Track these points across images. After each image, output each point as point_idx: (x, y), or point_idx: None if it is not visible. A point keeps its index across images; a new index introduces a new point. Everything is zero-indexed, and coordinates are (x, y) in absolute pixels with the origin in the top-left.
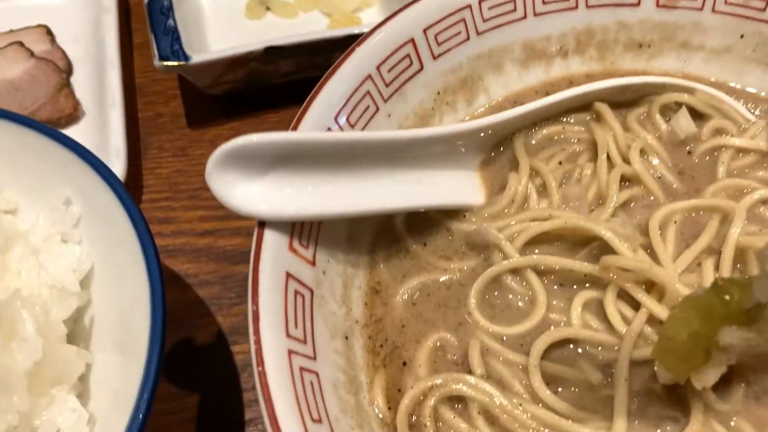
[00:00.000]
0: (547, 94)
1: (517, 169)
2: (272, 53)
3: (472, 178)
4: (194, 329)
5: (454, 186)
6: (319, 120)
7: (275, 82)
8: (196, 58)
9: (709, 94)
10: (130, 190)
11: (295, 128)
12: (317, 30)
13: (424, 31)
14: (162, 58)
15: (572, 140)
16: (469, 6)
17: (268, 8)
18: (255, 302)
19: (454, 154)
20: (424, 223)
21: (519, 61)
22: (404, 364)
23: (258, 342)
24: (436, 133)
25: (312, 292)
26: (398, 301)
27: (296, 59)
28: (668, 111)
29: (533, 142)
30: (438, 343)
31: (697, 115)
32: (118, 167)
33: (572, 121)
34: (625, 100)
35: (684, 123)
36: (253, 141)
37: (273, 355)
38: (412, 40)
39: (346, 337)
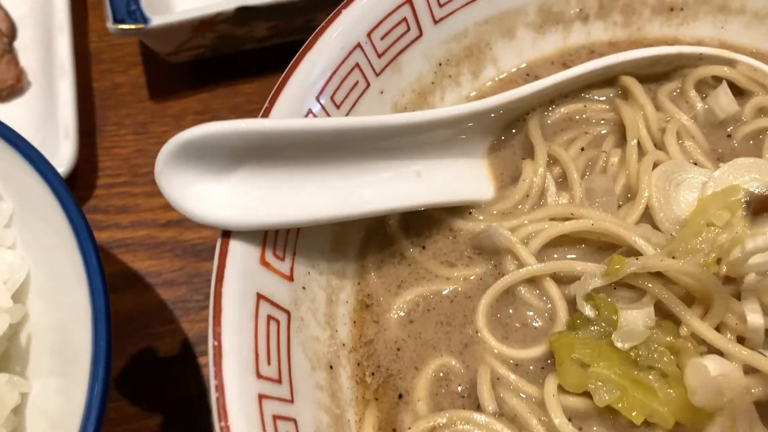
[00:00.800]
0: (565, 65)
1: (532, 156)
2: (245, 14)
3: (479, 167)
4: (156, 338)
5: (459, 178)
6: (298, 100)
7: (249, 48)
8: (157, 20)
9: (752, 66)
10: (82, 174)
11: (267, 111)
12: None
13: None
14: (117, 20)
15: (596, 121)
16: None
17: None
18: (217, 335)
19: (459, 140)
20: (422, 221)
21: (533, 25)
22: (400, 396)
23: (220, 388)
24: (437, 116)
25: (289, 314)
26: (392, 318)
27: (273, 21)
28: (705, 87)
29: (550, 122)
30: (440, 372)
31: (738, 92)
32: (68, 147)
33: (595, 97)
34: (654, 73)
35: (724, 101)
36: (216, 131)
37: (240, 406)
38: (410, 2)
39: (331, 367)
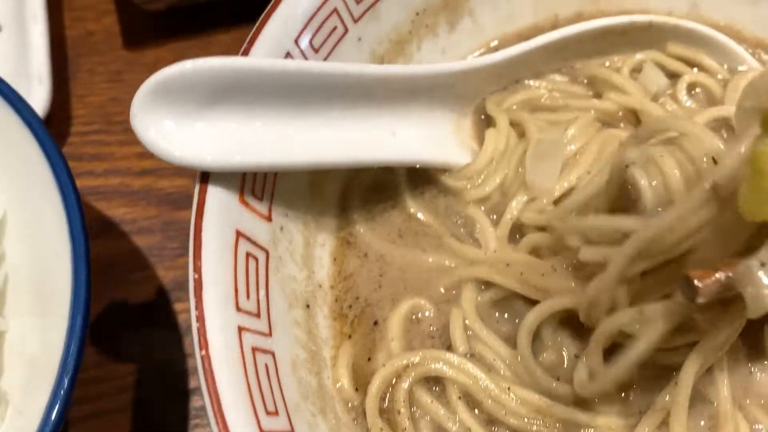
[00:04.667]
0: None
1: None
2: None
3: (462, 128)
4: (131, 284)
5: (436, 140)
6: (277, 42)
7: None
8: None
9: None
10: (55, 121)
11: (246, 52)
12: None
13: None
14: None
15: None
16: None
17: None
18: (197, 269)
19: (439, 100)
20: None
21: None
22: (375, 323)
23: (201, 319)
24: (420, 72)
25: (267, 253)
26: (378, 243)
27: None
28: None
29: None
30: (415, 313)
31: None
32: (41, 94)
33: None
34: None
35: (653, 75)
36: (189, 69)
37: (220, 335)
38: None
39: (308, 306)
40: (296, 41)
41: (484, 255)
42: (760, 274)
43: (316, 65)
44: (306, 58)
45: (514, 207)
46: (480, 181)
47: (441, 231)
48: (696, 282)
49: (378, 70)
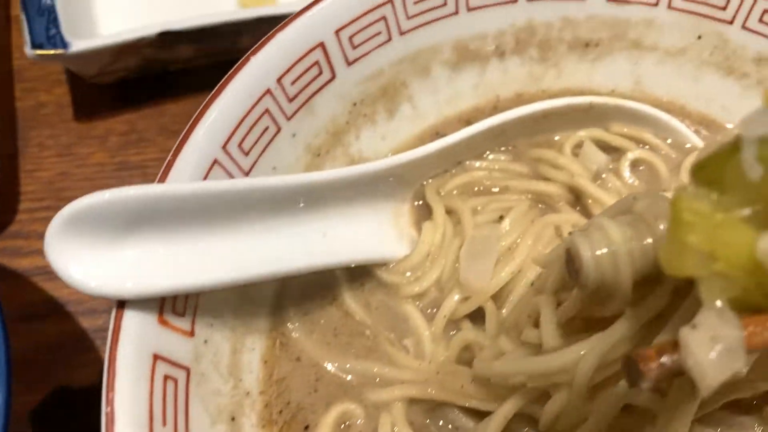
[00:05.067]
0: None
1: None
2: (168, 39)
3: (399, 218)
4: (78, 367)
5: (370, 236)
6: (204, 150)
7: (175, 69)
8: (77, 45)
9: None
10: (4, 198)
11: (172, 162)
12: (226, 4)
13: (337, 32)
14: (35, 45)
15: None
16: (391, 1)
17: None
18: (110, 401)
19: (372, 195)
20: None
21: (449, 63)
22: (306, 428)
23: None
24: (345, 174)
25: (188, 371)
26: (311, 346)
27: (198, 44)
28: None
29: (449, 188)
30: (344, 420)
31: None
32: None
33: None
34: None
35: (591, 152)
36: (103, 200)
37: None
38: (322, 45)
39: (233, 419)
40: (224, 147)
41: (416, 364)
42: (695, 337)
43: (236, 183)
44: (235, 162)
45: (448, 306)
46: (416, 276)
47: (376, 330)
48: (641, 366)
49: (305, 179)
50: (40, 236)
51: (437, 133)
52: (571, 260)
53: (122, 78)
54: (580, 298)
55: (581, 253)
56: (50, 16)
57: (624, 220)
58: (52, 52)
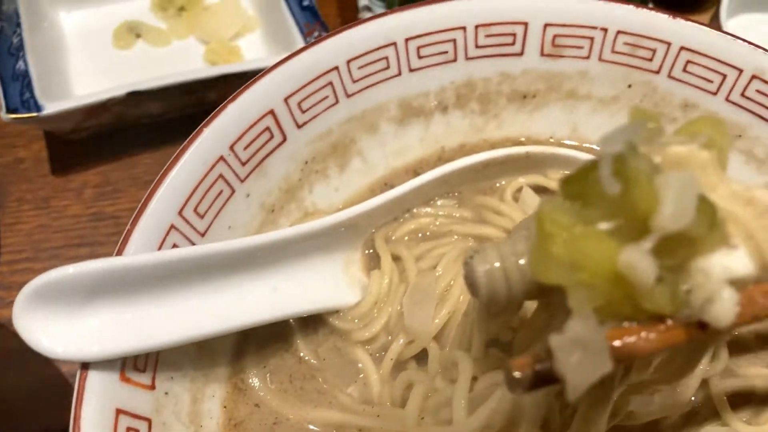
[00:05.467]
0: (426, 150)
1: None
2: (136, 97)
3: (350, 266)
4: (59, 411)
5: (321, 285)
6: (160, 217)
7: (146, 122)
8: (50, 108)
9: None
10: None
11: (129, 233)
12: (193, 61)
13: (285, 100)
14: (9, 110)
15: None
16: (336, 68)
17: (138, 35)
18: None
19: (330, 245)
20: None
21: (395, 119)
22: None
23: None
24: (297, 231)
25: (150, 421)
26: (268, 393)
27: (166, 101)
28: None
29: (397, 236)
30: None
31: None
32: None
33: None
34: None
35: (529, 197)
36: (69, 273)
37: None
38: (272, 112)
39: None
40: (180, 212)
41: (361, 409)
42: (560, 343)
43: (188, 251)
44: (191, 225)
45: (394, 349)
46: (365, 323)
47: (327, 375)
48: (515, 372)
49: (256, 241)
50: (20, 286)
51: (386, 184)
52: (467, 277)
53: (96, 133)
54: (480, 312)
55: (474, 269)
56: (24, 80)
57: (520, 235)
58: (26, 115)
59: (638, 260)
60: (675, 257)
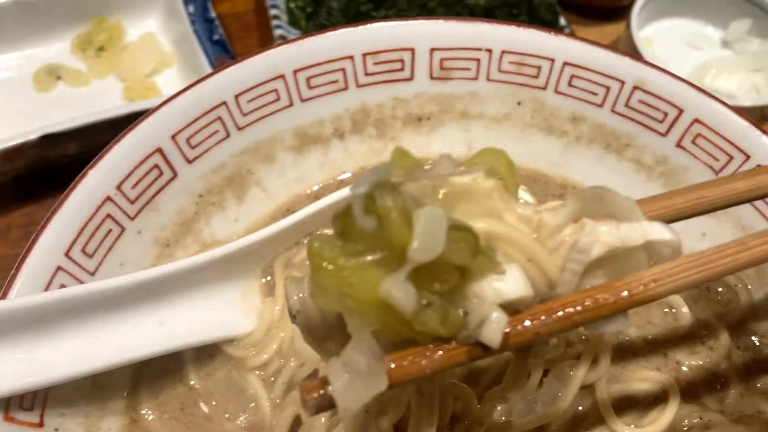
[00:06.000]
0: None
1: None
2: (51, 140)
3: (248, 294)
4: None
5: (212, 316)
6: (46, 259)
7: (66, 162)
8: None
9: None
10: None
11: (13, 278)
12: (112, 99)
13: (173, 137)
14: None
15: None
16: (224, 103)
17: (58, 77)
18: None
19: (227, 274)
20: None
21: (292, 148)
22: None
23: None
24: (189, 264)
25: None
26: (160, 424)
27: (82, 140)
28: None
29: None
30: None
31: None
32: None
33: None
34: None
35: None
36: None
37: None
38: (159, 149)
39: None
40: (67, 254)
41: None
42: (334, 366)
43: (70, 291)
44: (79, 265)
45: (286, 373)
46: (258, 350)
47: (219, 403)
48: (305, 396)
49: (143, 276)
50: None
51: (288, 210)
52: (287, 302)
53: (17, 175)
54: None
55: (289, 296)
56: None
57: None
58: None
59: (395, 288)
60: (446, 283)
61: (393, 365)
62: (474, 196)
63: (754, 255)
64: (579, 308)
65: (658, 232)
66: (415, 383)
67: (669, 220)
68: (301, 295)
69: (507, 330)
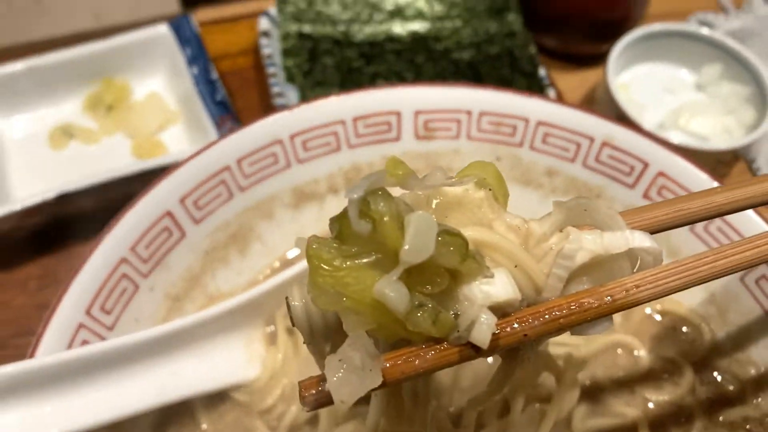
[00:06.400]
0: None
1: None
2: (67, 198)
3: (252, 342)
4: None
5: (220, 365)
6: (69, 318)
7: (81, 217)
8: None
9: None
10: None
11: (40, 336)
12: (122, 156)
13: (181, 201)
14: None
15: None
16: (228, 167)
17: (71, 136)
18: None
19: (231, 326)
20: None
21: (290, 205)
22: None
23: None
24: (197, 319)
25: None
26: None
27: (95, 197)
28: None
29: None
30: None
31: None
32: None
33: None
34: None
35: None
36: None
37: None
38: (169, 213)
39: None
40: (88, 312)
41: None
42: (330, 362)
43: (94, 348)
44: (99, 321)
45: (289, 416)
46: (263, 396)
47: None
48: (303, 392)
49: (156, 333)
50: None
51: (286, 263)
52: (288, 311)
53: (35, 230)
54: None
55: (292, 302)
56: None
57: None
58: None
59: (388, 288)
60: (438, 286)
61: (388, 364)
62: (465, 206)
63: (731, 263)
64: (565, 312)
65: (639, 240)
66: (410, 381)
67: (651, 231)
68: (303, 300)
69: (496, 331)
